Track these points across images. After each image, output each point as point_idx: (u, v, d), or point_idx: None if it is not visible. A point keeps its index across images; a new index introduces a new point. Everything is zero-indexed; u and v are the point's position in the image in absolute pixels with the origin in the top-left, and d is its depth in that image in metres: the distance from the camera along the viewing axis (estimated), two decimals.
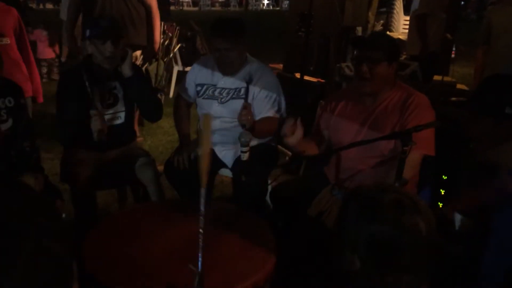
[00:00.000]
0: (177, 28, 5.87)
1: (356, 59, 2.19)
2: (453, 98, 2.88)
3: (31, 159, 2.25)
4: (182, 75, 5.98)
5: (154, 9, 3.64)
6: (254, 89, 2.49)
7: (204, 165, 1.34)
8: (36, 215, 0.59)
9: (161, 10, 3.91)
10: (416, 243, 0.99)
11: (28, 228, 0.56)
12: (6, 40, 2.68)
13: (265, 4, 23.75)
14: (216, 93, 2.56)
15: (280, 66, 5.04)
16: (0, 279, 0.50)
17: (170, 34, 5.73)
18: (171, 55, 5.84)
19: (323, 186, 2.28)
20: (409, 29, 4.91)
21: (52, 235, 0.59)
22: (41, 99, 3.14)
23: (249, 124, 2.31)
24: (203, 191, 1.33)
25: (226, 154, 2.57)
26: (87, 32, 2.34)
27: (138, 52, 3.65)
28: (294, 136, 2.07)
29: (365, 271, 1.01)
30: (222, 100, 2.54)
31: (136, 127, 3.16)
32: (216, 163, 2.61)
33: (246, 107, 2.34)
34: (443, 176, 2.77)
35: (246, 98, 2.44)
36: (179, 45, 5.99)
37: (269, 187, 2.52)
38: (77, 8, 3.48)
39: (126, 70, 2.38)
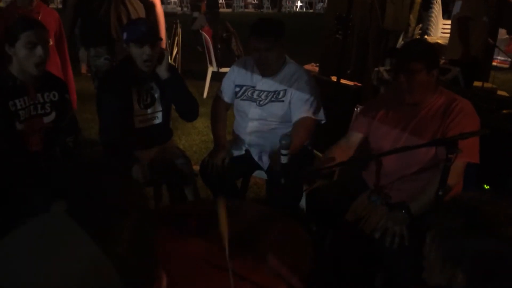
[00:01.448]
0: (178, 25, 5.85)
1: (393, 69, 2.14)
2: (504, 111, 2.78)
3: (73, 154, 2.30)
4: (216, 76, 6.03)
5: (158, 6, 3.58)
6: (291, 91, 2.49)
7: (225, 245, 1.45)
8: (138, 199, 0.65)
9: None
10: None
11: (131, 210, 0.62)
12: (50, 42, 2.73)
13: (299, 7, 23.67)
14: (255, 95, 2.56)
15: (315, 67, 5.00)
16: (104, 252, 0.55)
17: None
18: (174, 54, 5.88)
19: (360, 191, 2.25)
20: (451, 32, 4.80)
21: (147, 221, 0.64)
22: (75, 106, 3.03)
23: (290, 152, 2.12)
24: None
25: (262, 156, 2.57)
26: (125, 35, 2.38)
27: None
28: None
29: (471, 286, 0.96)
30: (261, 102, 2.54)
31: None
32: (252, 165, 2.61)
33: (286, 138, 2.21)
34: (485, 186, 2.69)
35: (283, 101, 2.42)
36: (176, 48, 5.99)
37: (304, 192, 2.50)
38: (74, 10, 3.38)
39: (163, 72, 2.41)
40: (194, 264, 1.68)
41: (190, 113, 2.66)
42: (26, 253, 0.55)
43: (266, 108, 2.53)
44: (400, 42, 4.45)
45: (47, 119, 2.21)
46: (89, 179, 0.63)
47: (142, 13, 3.44)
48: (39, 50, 2.05)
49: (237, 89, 2.63)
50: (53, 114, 2.23)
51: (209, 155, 2.65)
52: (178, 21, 6.03)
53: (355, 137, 2.33)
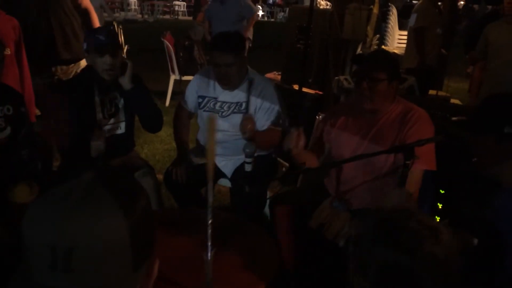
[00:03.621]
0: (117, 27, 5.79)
1: (357, 76, 2.21)
2: (454, 118, 2.92)
3: (27, 168, 2.22)
4: (179, 84, 5.99)
5: (92, 13, 3.42)
6: (255, 102, 2.50)
7: (211, 159, 1.47)
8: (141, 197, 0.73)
9: None
10: (433, 274, 0.92)
11: (142, 193, 0.73)
12: (7, 51, 2.59)
13: (260, 15, 23.89)
14: (217, 106, 2.56)
15: (277, 76, 5.07)
16: (117, 221, 0.66)
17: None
18: None
19: (322, 198, 2.29)
20: (407, 42, 4.98)
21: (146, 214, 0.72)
22: (33, 118, 2.79)
23: (250, 133, 2.31)
24: (210, 184, 1.44)
25: (226, 165, 2.58)
26: (85, 45, 2.34)
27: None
28: (297, 146, 2.08)
29: None
30: (223, 114, 2.55)
31: None
32: (216, 173, 2.61)
33: (248, 118, 2.34)
34: (441, 190, 2.80)
35: (247, 112, 2.44)
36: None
37: (268, 199, 2.53)
38: None
39: (126, 83, 2.36)
40: (166, 266, 1.66)
41: (154, 125, 2.61)
42: (61, 205, 0.65)
43: (228, 120, 2.53)
44: (359, 51, 4.58)
45: (2, 135, 2.12)
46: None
47: (80, 24, 3.28)
48: None
49: (200, 100, 2.63)
50: (8, 129, 2.14)
51: (172, 163, 2.64)
52: (115, 23, 5.88)
53: (319, 144, 2.37)
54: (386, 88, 2.08)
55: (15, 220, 1.83)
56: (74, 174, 0.69)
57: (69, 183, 0.68)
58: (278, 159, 3.41)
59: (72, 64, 3.24)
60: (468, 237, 2.22)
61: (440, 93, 5.10)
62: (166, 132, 5.03)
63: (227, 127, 2.53)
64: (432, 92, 4.92)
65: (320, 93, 3.84)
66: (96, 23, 3.46)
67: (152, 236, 0.73)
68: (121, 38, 5.81)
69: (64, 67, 3.21)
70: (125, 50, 5.88)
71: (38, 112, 3.00)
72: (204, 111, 2.61)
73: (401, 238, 0.93)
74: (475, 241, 2.12)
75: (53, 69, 3.17)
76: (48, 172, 2.92)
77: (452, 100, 5.13)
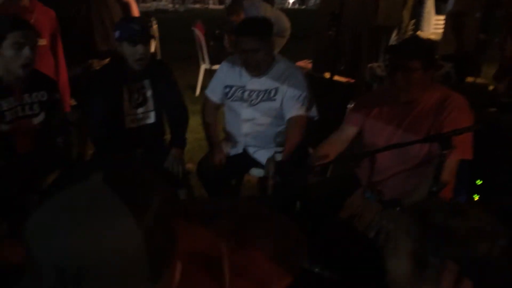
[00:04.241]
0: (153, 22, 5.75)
1: (390, 67, 2.13)
2: (501, 99, 2.80)
3: (63, 155, 2.27)
4: (209, 73, 5.99)
5: (133, 5, 3.42)
6: (283, 89, 2.46)
7: None
8: (161, 186, 0.68)
9: None
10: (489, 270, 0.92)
11: (158, 191, 0.65)
12: (43, 41, 2.61)
13: (291, 3, 23.61)
14: (246, 95, 2.53)
15: (308, 64, 4.99)
16: (128, 226, 0.59)
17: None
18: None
19: (354, 188, 2.24)
20: (444, 28, 4.83)
21: (172, 201, 0.69)
22: (68, 108, 2.87)
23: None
24: None
25: (260, 154, 2.55)
26: (117, 34, 2.35)
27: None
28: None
29: None
30: (252, 102, 2.52)
31: None
32: (247, 163, 2.60)
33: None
34: (477, 181, 2.70)
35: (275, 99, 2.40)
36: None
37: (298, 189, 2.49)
38: None
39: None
40: (192, 259, 1.66)
41: (179, 123, 2.66)
42: (66, 217, 0.59)
43: (258, 108, 2.50)
44: (394, 38, 4.45)
45: (36, 120, 2.17)
46: (121, 162, 0.70)
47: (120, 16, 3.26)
48: (26, 51, 2.00)
49: (227, 89, 2.59)
50: (42, 115, 2.19)
51: (206, 156, 2.65)
52: (152, 18, 5.85)
53: (349, 131, 2.31)
54: (422, 77, 2.00)
55: None
56: (81, 173, 0.64)
57: (75, 187, 0.61)
58: (310, 148, 3.37)
59: (109, 58, 3.28)
60: (508, 231, 2.14)
61: (478, 80, 4.92)
62: (197, 121, 5.02)
63: (257, 115, 2.51)
64: (469, 79, 4.76)
65: (352, 81, 3.75)
66: (136, 15, 3.46)
67: (172, 239, 0.66)
68: (155, 31, 5.84)
69: (101, 61, 3.24)
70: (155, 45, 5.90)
71: (74, 102, 3.07)
72: (232, 101, 2.58)
73: (456, 241, 0.91)
74: None
75: (90, 61, 3.20)
76: (83, 160, 2.99)
77: (491, 87, 4.94)
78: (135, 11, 3.46)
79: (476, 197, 2.73)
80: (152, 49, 3.53)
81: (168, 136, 2.69)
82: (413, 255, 0.96)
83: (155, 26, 5.78)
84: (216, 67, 5.93)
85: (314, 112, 2.54)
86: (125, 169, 0.65)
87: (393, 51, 2.24)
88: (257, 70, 2.46)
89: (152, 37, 2.46)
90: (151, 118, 2.52)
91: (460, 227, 0.93)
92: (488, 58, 5.76)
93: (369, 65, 3.68)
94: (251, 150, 2.59)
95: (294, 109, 2.46)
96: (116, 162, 0.71)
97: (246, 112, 2.52)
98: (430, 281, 0.94)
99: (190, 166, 2.80)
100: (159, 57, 5.71)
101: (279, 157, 1.90)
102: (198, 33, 6.04)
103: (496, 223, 0.94)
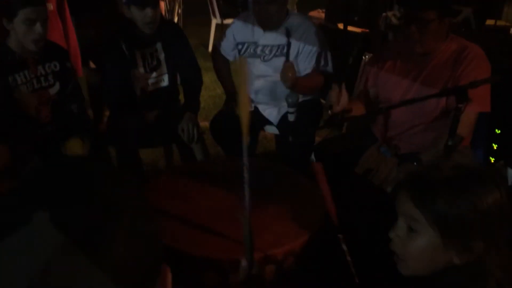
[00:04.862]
0: None
1: (404, 18, 2.06)
2: None
3: (78, 121, 2.30)
4: (220, 28, 5.89)
5: None
6: (297, 45, 2.42)
7: (245, 113, 1.23)
8: (129, 197, 0.58)
9: None
10: (482, 216, 0.95)
11: (123, 211, 0.55)
12: (49, 6, 2.61)
13: None
14: (258, 51, 2.50)
15: (321, 13, 4.86)
16: (96, 262, 0.50)
17: None
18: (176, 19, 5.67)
19: (369, 143, 2.24)
20: None
21: (144, 216, 0.58)
22: (80, 73, 2.91)
23: (290, 82, 2.25)
24: (245, 144, 1.28)
25: (271, 112, 2.55)
26: None
27: None
28: (340, 104, 2.01)
29: None
30: (265, 58, 2.49)
31: None
32: (261, 120, 2.60)
33: (288, 66, 2.27)
34: (496, 130, 2.66)
35: (288, 55, 2.37)
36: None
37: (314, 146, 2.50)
38: None
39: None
40: (212, 219, 1.71)
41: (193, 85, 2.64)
42: (12, 271, 0.48)
43: (271, 63, 2.47)
44: None
45: (52, 91, 2.20)
46: (72, 179, 0.56)
47: None
48: (38, 27, 2.01)
49: (240, 46, 2.57)
50: (57, 85, 2.21)
51: (225, 104, 2.66)
52: None
53: (371, 93, 2.29)
54: (437, 28, 1.93)
55: None
56: (21, 210, 0.51)
57: (19, 233, 0.49)
58: (323, 101, 3.34)
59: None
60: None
61: (499, 22, 4.74)
62: (211, 78, 5.01)
63: (270, 71, 2.48)
64: (490, 22, 4.58)
65: (367, 31, 3.65)
66: None
67: (154, 253, 0.59)
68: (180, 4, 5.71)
69: None
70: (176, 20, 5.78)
71: (93, 65, 3.08)
72: (245, 57, 2.55)
73: (438, 192, 0.98)
74: None
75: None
76: (100, 124, 3.03)
77: None
78: None
79: (495, 146, 2.71)
80: (163, 11, 3.46)
81: (182, 97, 2.69)
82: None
83: None
84: (227, 21, 5.84)
85: (330, 68, 2.49)
86: (78, 196, 0.53)
87: (405, 2, 2.16)
88: (270, 23, 2.42)
89: None
90: (165, 81, 2.52)
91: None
92: None
93: (384, 14, 3.56)
94: (261, 108, 2.58)
95: (309, 66, 2.42)
96: (69, 186, 0.52)
97: (258, 68, 2.50)
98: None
99: (206, 124, 2.81)
100: (181, 21, 5.63)
101: (292, 118, 1.90)
102: None
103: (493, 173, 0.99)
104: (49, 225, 0.49)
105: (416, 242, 1.01)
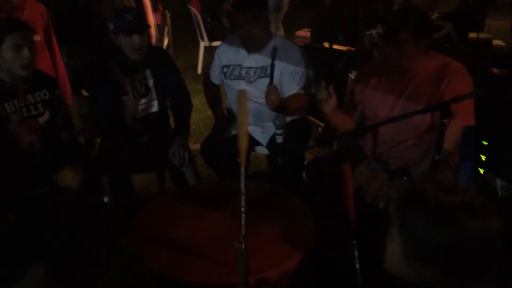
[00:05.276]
0: (167, 15, 5.66)
1: (383, 38, 2.14)
2: (496, 70, 2.77)
3: (70, 150, 2.31)
4: (209, 50, 5.95)
5: (146, 2, 3.42)
6: (280, 66, 2.45)
7: (243, 144, 1.32)
8: (117, 236, 0.60)
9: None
10: (487, 247, 0.93)
11: (113, 253, 0.57)
12: (37, 37, 2.63)
13: None
14: (243, 72, 2.54)
15: (307, 32, 4.93)
16: None
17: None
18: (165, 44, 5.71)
19: (359, 160, 2.26)
20: None
21: (134, 255, 0.60)
22: (70, 101, 2.96)
23: (273, 105, 2.26)
24: (243, 170, 1.30)
25: (261, 133, 2.57)
26: (112, 26, 2.34)
27: None
28: (328, 104, 2.05)
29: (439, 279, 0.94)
30: (250, 79, 2.52)
31: None
32: (251, 141, 2.62)
33: (271, 89, 2.29)
34: (484, 142, 2.70)
35: (272, 76, 2.40)
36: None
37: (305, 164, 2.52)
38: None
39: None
40: (205, 244, 1.72)
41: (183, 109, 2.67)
42: None
43: (256, 85, 2.50)
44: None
45: (42, 119, 2.20)
46: (62, 230, 0.58)
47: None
48: (25, 53, 2.03)
49: (225, 69, 2.61)
50: (47, 113, 2.22)
51: (213, 129, 2.67)
52: (167, 11, 5.84)
53: (359, 109, 2.33)
54: (413, 48, 2.00)
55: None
56: (18, 269, 0.53)
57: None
58: (312, 119, 3.37)
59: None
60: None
61: (481, 35, 4.83)
62: (201, 100, 5.03)
63: (256, 93, 2.50)
64: (472, 35, 4.67)
65: (352, 49, 3.72)
66: (146, 2, 3.44)
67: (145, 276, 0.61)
68: (169, 28, 5.78)
69: None
70: (166, 42, 5.82)
71: (86, 93, 3.10)
72: (230, 79, 2.59)
73: (451, 216, 0.93)
74: None
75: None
76: (91, 153, 3.03)
77: (495, 42, 4.85)
78: (149, 9, 3.45)
79: (483, 158, 2.74)
80: (154, 40, 3.52)
81: (172, 121, 2.71)
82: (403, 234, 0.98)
83: (168, 19, 5.74)
84: (215, 43, 5.90)
85: (314, 88, 2.52)
86: (69, 248, 0.55)
87: (383, 23, 2.25)
88: (254, 44, 2.46)
89: (148, 26, 2.45)
90: (155, 107, 2.53)
91: (451, 201, 0.95)
92: (490, 10, 5.63)
93: (368, 32, 3.63)
94: (250, 129, 2.60)
95: (293, 87, 2.45)
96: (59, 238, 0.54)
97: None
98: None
99: (197, 146, 2.82)
100: (171, 49, 5.67)
101: (279, 139, 1.92)
102: (194, 10, 5.97)
103: (488, 203, 0.96)
104: (43, 278, 0.51)
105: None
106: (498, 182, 2.46)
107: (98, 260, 0.55)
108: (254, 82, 2.51)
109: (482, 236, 0.93)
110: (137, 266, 0.60)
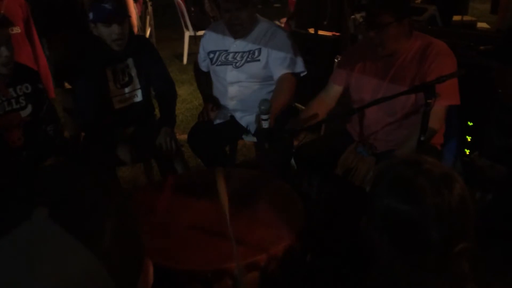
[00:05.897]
0: (149, 4, 5.60)
1: (365, 24, 2.11)
2: (482, 47, 2.77)
3: (54, 143, 2.28)
4: (194, 40, 5.91)
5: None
6: (267, 50, 2.45)
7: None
8: (114, 195, 0.63)
9: None
10: (435, 222, 0.97)
11: (110, 208, 0.60)
12: (17, 29, 2.59)
13: None
14: (230, 57, 2.52)
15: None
16: (86, 258, 0.54)
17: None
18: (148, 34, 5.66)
19: (346, 144, 2.27)
20: None
21: (128, 213, 0.63)
22: (52, 94, 2.92)
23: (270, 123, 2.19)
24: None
25: (248, 120, 2.56)
26: (91, 16, 2.29)
27: None
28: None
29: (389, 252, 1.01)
30: (237, 64, 2.51)
31: None
32: (238, 129, 2.61)
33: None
34: (469, 123, 2.72)
35: (259, 59, 2.38)
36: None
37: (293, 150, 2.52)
38: None
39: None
40: (193, 232, 1.71)
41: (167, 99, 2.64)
42: (12, 265, 0.52)
43: (243, 69, 2.49)
44: None
45: (24, 113, 2.17)
46: (66, 182, 0.61)
47: None
48: (3, 51, 1.98)
49: (211, 55, 2.59)
50: (29, 107, 2.19)
51: (199, 115, 2.65)
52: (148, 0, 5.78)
53: (335, 90, 2.32)
54: (396, 30, 1.98)
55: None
56: (22, 212, 0.55)
57: (19, 231, 0.54)
58: (299, 105, 3.37)
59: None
60: (499, 167, 2.18)
61: (465, 17, 4.85)
62: (187, 90, 5.04)
63: (243, 77, 2.50)
64: (456, 18, 4.69)
65: (337, 34, 3.70)
66: (130, 3, 3.43)
67: (137, 245, 0.64)
68: (150, 16, 5.69)
69: None
70: (149, 32, 5.74)
71: (68, 86, 3.07)
72: (217, 65, 2.57)
73: (406, 192, 1.00)
74: (505, 169, 2.08)
75: None
76: (77, 145, 3.01)
77: (479, 24, 4.89)
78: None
79: (469, 138, 2.76)
80: (136, 29, 3.47)
81: (157, 111, 2.69)
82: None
83: (150, 8, 5.65)
84: (200, 33, 5.86)
85: (301, 67, 2.51)
86: (71, 196, 0.58)
87: (363, 9, 2.22)
88: (240, 30, 2.44)
89: (128, 16, 2.41)
90: (139, 97, 2.51)
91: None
92: None
93: (352, 16, 3.62)
94: (238, 115, 2.59)
95: (282, 69, 2.44)
96: (62, 188, 0.59)
97: (231, 74, 2.52)
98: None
99: (184, 137, 2.80)
100: (153, 38, 5.59)
101: (265, 125, 1.91)
102: (178, 0, 5.91)
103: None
104: (46, 220, 0.54)
105: None
106: (483, 161, 2.48)
107: (97, 207, 0.59)
108: (241, 67, 2.50)
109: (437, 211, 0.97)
110: (130, 223, 0.63)
